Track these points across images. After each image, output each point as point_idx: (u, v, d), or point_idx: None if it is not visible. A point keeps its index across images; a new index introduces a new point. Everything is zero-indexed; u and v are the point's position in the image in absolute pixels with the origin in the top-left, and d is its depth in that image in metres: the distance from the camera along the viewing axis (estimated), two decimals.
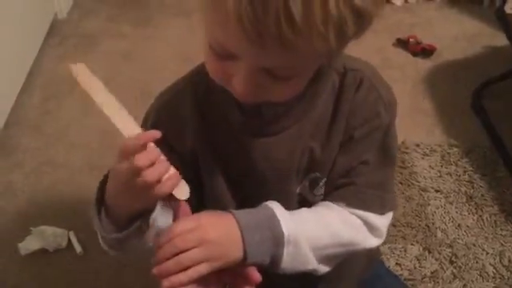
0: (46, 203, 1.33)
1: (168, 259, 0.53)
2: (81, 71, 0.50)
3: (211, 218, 0.57)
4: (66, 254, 1.23)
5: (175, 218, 0.59)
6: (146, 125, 0.69)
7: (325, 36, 0.43)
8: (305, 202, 0.70)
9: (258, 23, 0.42)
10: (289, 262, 0.59)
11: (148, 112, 0.70)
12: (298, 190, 0.70)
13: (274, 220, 0.59)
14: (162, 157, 0.53)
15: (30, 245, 1.22)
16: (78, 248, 1.23)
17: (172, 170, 0.54)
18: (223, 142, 0.67)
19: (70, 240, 1.25)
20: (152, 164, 0.51)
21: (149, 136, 0.53)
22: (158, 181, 0.52)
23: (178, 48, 1.85)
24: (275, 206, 0.61)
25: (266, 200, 0.68)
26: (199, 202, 0.69)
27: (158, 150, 0.53)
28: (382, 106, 0.65)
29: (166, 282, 0.53)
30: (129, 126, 0.54)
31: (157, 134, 0.53)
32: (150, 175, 0.51)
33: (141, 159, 0.51)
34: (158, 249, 0.55)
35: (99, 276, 1.19)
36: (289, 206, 0.69)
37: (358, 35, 0.47)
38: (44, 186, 1.38)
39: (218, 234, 0.55)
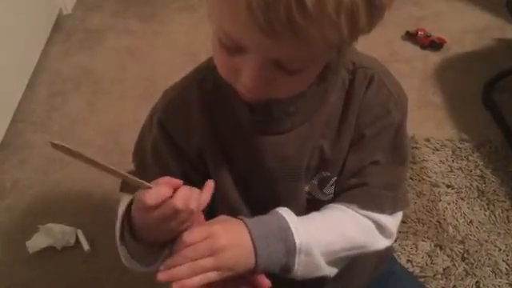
0: (53, 200, 1.33)
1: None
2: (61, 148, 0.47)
3: (223, 228, 0.57)
4: (74, 251, 1.23)
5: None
6: (151, 121, 0.68)
7: (336, 24, 0.42)
8: (314, 201, 0.69)
9: (268, 10, 0.40)
10: (300, 270, 0.59)
11: (154, 108, 0.69)
12: (306, 189, 0.69)
13: (286, 230, 0.58)
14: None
15: (37, 242, 1.21)
16: (85, 246, 1.22)
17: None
18: (231, 139, 0.66)
19: (77, 238, 1.24)
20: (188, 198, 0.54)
21: (174, 183, 0.54)
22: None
23: (184, 43, 1.84)
24: (287, 214, 0.60)
25: (275, 199, 0.67)
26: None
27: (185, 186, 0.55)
28: (393, 103, 0.64)
29: (176, 286, 0.53)
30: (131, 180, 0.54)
31: (175, 182, 0.54)
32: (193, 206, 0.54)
33: (178, 201, 0.53)
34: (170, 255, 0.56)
35: (107, 274, 1.19)
36: (297, 205, 0.68)
37: (369, 27, 0.46)
38: (51, 183, 1.37)
39: (229, 244, 0.55)
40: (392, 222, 0.67)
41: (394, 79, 0.66)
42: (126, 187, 0.69)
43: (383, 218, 0.66)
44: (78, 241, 1.24)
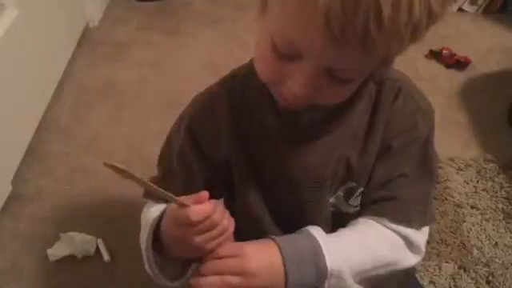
0: (75, 209, 1.34)
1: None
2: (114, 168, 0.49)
3: (255, 249, 0.57)
4: (94, 261, 1.23)
5: None
6: (179, 126, 0.68)
7: (403, 37, 0.43)
8: (339, 214, 0.69)
9: (345, 20, 0.41)
10: None
11: (183, 114, 0.70)
12: (332, 201, 0.68)
13: (319, 254, 0.58)
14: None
15: (58, 251, 1.22)
16: (105, 256, 1.22)
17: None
18: (258, 148, 0.66)
19: (98, 247, 1.24)
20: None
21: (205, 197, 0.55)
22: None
23: (206, 57, 1.86)
24: (319, 235, 0.60)
25: (299, 210, 0.67)
26: (230, 210, 0.68)
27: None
28: (421, 115, 0.64)
29: None
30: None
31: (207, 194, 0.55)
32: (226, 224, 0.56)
33: (216, 214, 0.54)
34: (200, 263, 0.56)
35: (126, 284, 1.18)
36: (322, 217, 0.68)
37: (421, 37, 0.46)
38: (74, 193, 1.38)
39: (259, 266, 0.55)
40: (421, 236, 0.66)
41: (421, 92, 0.66)
42: (150, 194, 0.70)
43: (412, 233, 0.65)
44: (98, 250, 1.24)
